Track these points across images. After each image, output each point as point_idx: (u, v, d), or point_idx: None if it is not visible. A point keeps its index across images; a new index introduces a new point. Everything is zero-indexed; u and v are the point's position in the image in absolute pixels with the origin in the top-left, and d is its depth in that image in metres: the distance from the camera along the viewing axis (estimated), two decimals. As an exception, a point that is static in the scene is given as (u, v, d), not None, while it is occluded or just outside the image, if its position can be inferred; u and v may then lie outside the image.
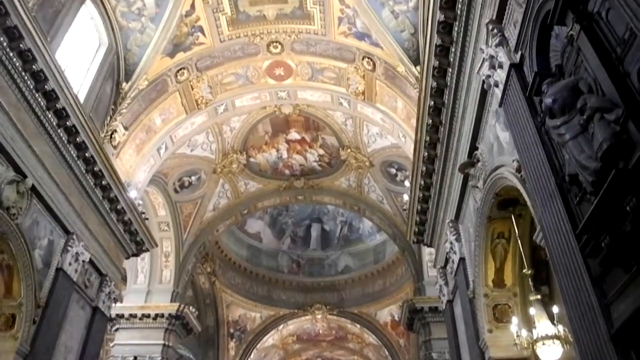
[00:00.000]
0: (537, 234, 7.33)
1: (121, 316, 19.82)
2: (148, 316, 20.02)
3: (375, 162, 20.64)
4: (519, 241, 9.82)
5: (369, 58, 15.27)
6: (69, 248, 12.05)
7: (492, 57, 7.94)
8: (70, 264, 12.13)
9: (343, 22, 14.93)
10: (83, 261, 12.77)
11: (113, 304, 15.14)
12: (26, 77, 10.18)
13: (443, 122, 11.28)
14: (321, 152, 21.44)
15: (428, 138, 12.02)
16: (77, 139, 11.83)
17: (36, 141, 10.76)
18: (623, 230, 4.75)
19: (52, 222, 11.65)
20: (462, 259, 11.81)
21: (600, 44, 5.07)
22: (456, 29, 9.41)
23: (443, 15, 9.38)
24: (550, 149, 6.31)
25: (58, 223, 11.83)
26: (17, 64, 9.90)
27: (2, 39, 9.47)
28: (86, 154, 12.25)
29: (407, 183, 16.64)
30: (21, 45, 9.75)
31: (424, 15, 12.46)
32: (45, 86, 10.54)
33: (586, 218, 5.20)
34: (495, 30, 7.84)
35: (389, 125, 17.00)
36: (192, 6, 14.42)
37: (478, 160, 9.88)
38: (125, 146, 14.98)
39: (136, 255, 16.20)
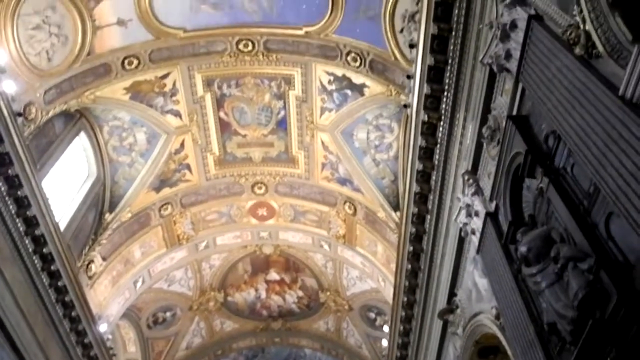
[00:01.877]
0: (519, 386, 7.07)
1: None
2: None
3: (354, 306, 20.29)
4: (502, 393, 9.43)
5: (350, 203, 15.70)
6: (24, 384, 11.23)
7: (468, 205, 8.25)
8: (22, 402, 11.22)
9: (326, 167, 15.57)
10: (38, 399, 11.84)
11: None
12: (9, 202, 10.20)
13: (422, 267, 11.33)
14: (300, 293, 21.15)
15: (407, 283, 11.99)
16: (52, 267, 11.57)
17: (8, 266, 10.49)
18: (606, 383, 4.64)
19: (10, 353, 10.94)
20: (443, 411, 11.22)
21: (568, 196, 5.34)
22: (434, 178, 9.82)
23: (422, 165, 9.84)
24: (528, 297, 6.32)
25: (17, 355, 11.11)
26: (2, 188, 9.99)
27: (-9, 163, 9.69)
28: (59, 283, 11.91)
29: (386, 328, 16.27)
30: (9, 171, 9.92)
31: (403, 164, 13.08)
32: (28, 212, 10.55)
33: (568, 369, 5.09)
34: (470, 181, 8.23)
35: (369, 269, 16.99)
36: (182, 145, 15.03)
37: (457, 307, 9.82)
38: (101, 277, 14.67)
39: (97, 395, 15.09)
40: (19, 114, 10.19)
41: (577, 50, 4.77)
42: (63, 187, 13.15)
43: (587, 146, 4.64)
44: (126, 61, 12.50)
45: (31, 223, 10.81)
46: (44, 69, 11.05)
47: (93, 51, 11.86)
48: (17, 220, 10.52)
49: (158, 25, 12.21)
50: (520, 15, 5.90)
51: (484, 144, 7.77)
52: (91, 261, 13.99)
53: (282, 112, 14.86)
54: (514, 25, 6.06)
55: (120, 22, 11.85)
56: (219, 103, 14.57)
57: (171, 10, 12.13)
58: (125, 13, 11.74)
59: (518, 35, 5.97)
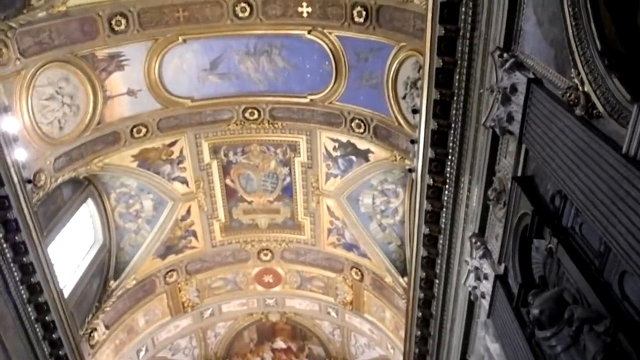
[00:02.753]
0: None
1: None
2: None
3: (363, 376, 19.68)
4: None
5: (357, 268, 15.55)
6: None
7: (477, 268, 8.14)
8: None
9: (332, 233, 15.53)
10: None
11: None
12: (14, 268, 10.14)
13: (432, 333, 11.05)
14: (307, 363, 20.59)
15: (417, 350, 11.67)
16: (54, 336, 11.35)
17: (9, 335, 10.29)
18: None
19: None
20: None
21: (579, 256, 5.25)
22: (441, 241, 9.73)
23: (428, 229, 9.78)
24: (543, 362, 6.12)
25: None
26: (8, 255, 9.96)
27: (-2, 230, 9.70)
28: (60, 352, 11.63)
29: (396, 400, 15.66)
30: (16, 238, 9.93)
31: (410, 229, 13.02)
32: (32, 279, 10.45)
33: None
34: (478, 243, 8.16)
35: (377, 336, 16.61)
36: (188, 211, 15.11)
37: (470, 375, 9.49)
38: (104, 346, 14.35)
39: None
40: (29, 181, 10.29)
41: (578, 111, 4.84)
42: (69, 253, 13.11)
43: (595, 205, 4.62)
44: (135, 129, 12.78)
45: (35, 290, 10.69)
46: (55, 138, 11.27)
47: (103, 120, 12.14)
48: (21, 287, 10.43)
49: (167, 95, 12.57)
50: (520, 79, 6.03)
51: (490, 206, 7.75)
52: (94, 329, 13.72)
53: (288, 179, 15.01)
54: (514, 88, 6.19)
55: (131, 92, 12.22)
56: (225, 170, 14.76)
57: (180, 80, 12.53)
58: (136, 84, 12.12)
59: (519, 98, 6.08)
